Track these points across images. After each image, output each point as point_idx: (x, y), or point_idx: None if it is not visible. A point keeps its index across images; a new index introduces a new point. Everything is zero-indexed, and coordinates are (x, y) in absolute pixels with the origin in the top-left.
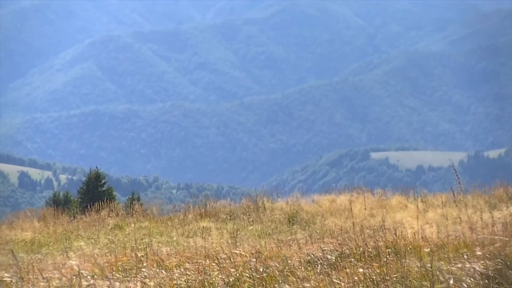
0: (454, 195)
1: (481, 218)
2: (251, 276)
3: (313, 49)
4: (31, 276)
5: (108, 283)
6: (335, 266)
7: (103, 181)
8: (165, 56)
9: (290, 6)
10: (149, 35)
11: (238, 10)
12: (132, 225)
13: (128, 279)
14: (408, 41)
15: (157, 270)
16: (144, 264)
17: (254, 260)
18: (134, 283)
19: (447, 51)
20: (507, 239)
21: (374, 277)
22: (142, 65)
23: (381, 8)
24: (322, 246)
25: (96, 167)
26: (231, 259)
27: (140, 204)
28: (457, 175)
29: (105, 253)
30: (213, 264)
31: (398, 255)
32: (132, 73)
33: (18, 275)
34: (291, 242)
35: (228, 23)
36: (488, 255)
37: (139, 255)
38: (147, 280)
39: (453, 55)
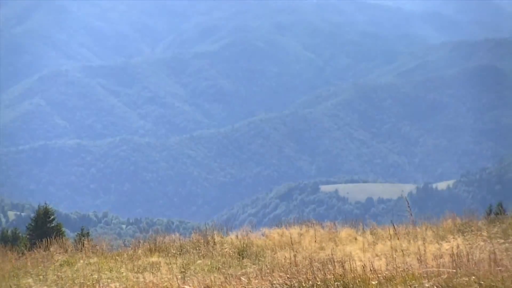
0: (395, 229)
1: (424, 250)
2: None
3: (262, 82)
4: None
5: None
6: None
7: (52, 217)
8: (115, 90)
9: (240, 39)
10: (98, 70)
11: (187, 43)
12: (81, 261)
13: None
14: (357, 73)
15: None
16: None
17: None
18: None
19: (396, 83)
20: (454, 270)
21: None
22: (91, 100)
23: (330, 40)
24: (271, 279)
25: (45, 203)
26: None
27: (89, 240)
28: (409, 207)
29: None
30: None
31: None
32: (81, 108)
33: None
34: (241, 276)
35: (178, 57)
36: (436, 287)
37: None
38: None
39: (402, 87)
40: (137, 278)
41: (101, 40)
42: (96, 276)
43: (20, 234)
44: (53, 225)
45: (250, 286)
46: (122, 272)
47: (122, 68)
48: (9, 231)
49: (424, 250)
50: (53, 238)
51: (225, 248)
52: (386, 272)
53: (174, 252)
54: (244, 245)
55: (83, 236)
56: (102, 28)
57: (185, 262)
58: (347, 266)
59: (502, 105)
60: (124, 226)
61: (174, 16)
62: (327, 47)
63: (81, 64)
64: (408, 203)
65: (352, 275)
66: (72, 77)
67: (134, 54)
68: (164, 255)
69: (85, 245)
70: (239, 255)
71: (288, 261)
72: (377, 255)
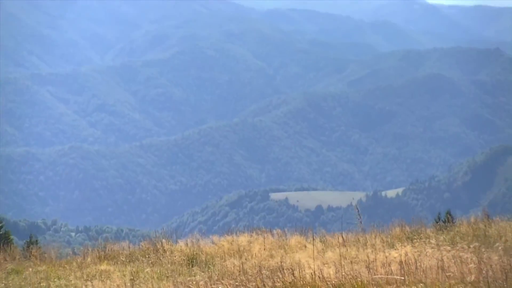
0: (343, 237)
1: (373, 258)
2: None
3: (212, 90)
4: None
5: None
6: None
7: (0, 223)
8: (64, 98)
9: (190, 48)
10: (47, 77)
11: (137, 52)
12: (30, 269)
13: None
14: (307, 82)
15: None
16: None
17: None
18: None
19: (346, 92)
20: (402, 278)
21: None
22: (41, 108)
23: (280, 49)
24: (220, 287)
25: None
26: None
27: (38, 248)
28: (359, 215)
29: None
30: None
31: None
32: (30, 115)
33: None
34: (190, 284)
35: (127, 65)
36: None
37: None
38: None
39: (352, 96)
40: (86, 286)
41: (50, 48)
42: (44, 284)
43: None
44: (0, 232)
45: None
46: (71, 280)
47: (71, 76)
48: None
49: (374, 258)
50: (1, 245)
51: (175, 256)
52: (335, 280)
53: (124, 260)
54: (194, 253)
55: (32, 244)
56: (51, 35)
57: (134, 270)
58: (296, 273)
59: (451, 113)
60: (73, 234)
61: (124, 24)
62: (277, 55)
63: (30, 72)
64: (358, 211)
65: (302, 283)
66: (21, 84)
67: (84, 62)
68: (113, 263)
69: (33, 253)
70: (189, 262)
71: (237, 268)
72: (326, 263)
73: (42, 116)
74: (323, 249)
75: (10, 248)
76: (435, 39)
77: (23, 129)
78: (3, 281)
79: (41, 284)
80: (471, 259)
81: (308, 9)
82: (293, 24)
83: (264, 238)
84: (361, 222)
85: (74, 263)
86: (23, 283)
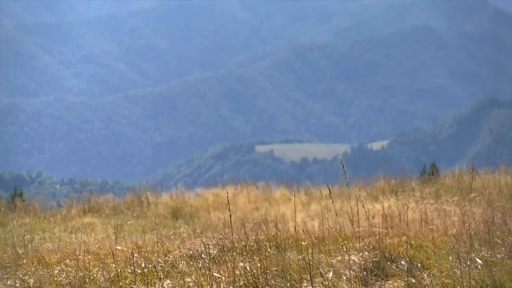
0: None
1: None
2: (132, 272)
3: (198, 41)
4: None
5: None
6: (217, 260)
7: None
8: (48, 48)
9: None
10: (31, 28)
11: (122, 1)
12: (14, 221)
13: (7, 276)
14: (293, 33)
15: (38, 267)
16: (24, 261)
17: (136, 255)
18: (13, 281)
19: (332, 43)
20: (385, 231)
21: (255, 270)
22: (25, 58)
23: None
24: (204, 240)
25: None
26: (113, 255)
27: (23, 200)
28: (343, 168)
29: None
30: (95, 260)
31: (279, 249)
32: (15, 66)
33: None
34: (174, 237)
35: (112, 15)
36: (367, 248)
37: (19, 251)
38: (27, 277)
39: (338, 47)
40: (70, 238)
41: None
42: (28, 237)
43: None
44: None
45: (183, 246)
46: (56, 233)
47: (56, 26)
48: None
49: (357, 211)
50: None
51: (159, 209)
52: (318, 233)
53: (108, 212)
54: (179, 206)
55: (16, 196)
56: None
57: (118, 222)
58: (280, 226)
59: (437, 65)
60: (58, 186)
61: None
62: (263, 6)
63: (15, 22)
64: (342, 164)
65: (285, 236)
66: (4, 34)
67: (68, 12)
68: (98, 216)
69: (18, 205)
70: (173, 215)
71: (222, 221)
72: (310, 216)
73: (26, 66)
74: (308, 201)
75: None
76: None
77: (7, 79)
78: None
79: (26, 236)
80: (454, 212)
81: None
82: None
83: (248, 191)
84: (345, 176)
85: (59, 216)
86: (7, 235)
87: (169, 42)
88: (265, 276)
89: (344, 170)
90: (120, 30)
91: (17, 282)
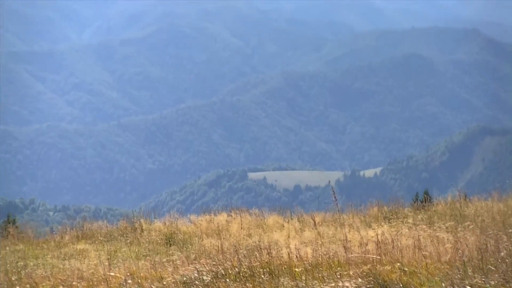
0: (313, 218)
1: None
2: None
3: (190, 69)
4: None
5: None
6: (210, 287)
7: None
8: (41, 76)
9: (167, 26)
10: (24, 55)
11: (114, 30)
12: (7, 248)
13: None
14: (285, 61)
15: None
16: None
17: (130, 281)
18: None
19: (324, 71)
20: (379, 257)
21: None
22: (17, 86)
23: (257, 28)
24: (198, 267)
25: None
26: (107, 282)
27: (16, 227)
28: (334, 195)
29: None
30: (87, 286)
31: (273, 275)
32: (7, 93)
33: None
34: (168, 263)
35: (105, 43)
36: (360, 275)
37: (12, 278)
38: None
39: (330, 75)
40: (63, 265)
41: (26, 25)
42: (22, 264)
43: None
44: None
45: (177, 273)
46: (48, 260)
47: (48, 54)
48: None
49: (350, 237)
50: None
51: (152, 235)
52: (312, 259)
53: (102, 239)
54: (172, 232)
55: (9, 223)
56: (27, 13)
57: (112, 249)
58: (274, 253)
59: (428, 93)
60: (51, 213)
61: (101, 1)
62: (255, 34)
63: (7, 50)
64: (333, 191)
65: (279, 262)
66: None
67: (61, 40)
68: (91, 242)
69: (11, 232)
70: (167, 242)
71: (215, 248)
72: (303, 243)
73: (18, 94)
74: (301, 228)
75: None
76: (413, 18)
77: (10, 111)
78: None
79: (19, 263)
80: (447, 238)
81: None
82: (270, 2)
83: (241, 218)
84: (336, 202)
85: (52, 242)
86: (0, 262)
87: (161, 70)
88: None
89: (335, 198)
90: (113, 58)
91: None
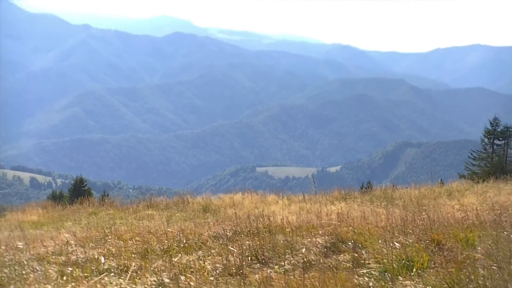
0: (304, 196)
1: (320, 210)
2: (178, 245)
3: (221, 101)
4: (35, 244)
5: (84, 249)
6: (231, 239)
7: (85, 183)
8: (126, 104)
9: (207, 73)
10: (116, 90)
11: (173, 75)
12: (103, 212)
13: (98, 247)
14: (281, 97)
15: (118, 241)
16: (109, 237)
17: (180, 235)
18: (102, 249)
19: (306, 104)
20: (339, 223)
21: (255, 246)
22: (111, 110)
23: (264, 76)
24: (223, 226)
25: (81, 175)
26: (165, 234)
27: (108, 199)
28: (314, 182)
29: (85, 230)
30: (153, 237)
31: (271, 233)
32: (105, 114)
33: (26, 243)
34: (204, 224)
35: (167, 83)
36: (327, 233)
37: (106, 231)
38: (110, 247)
39: (309, 106)
40: (138, 223)
41: (118, 71)
42: (112, 222)
43: (64, 194)
44: (85, 188)
45: (210, 230)
46: (129, 220)
47: (131, 90)
48: (57, 192)
49: (320, 210)
50: (85, 197)
51: (195, 206)
52: (296, 223)
53: (162, 207)
54: (207, 204)
55: (104, 196)
56: (119, 63)
57: (169, 214)
58: (271, 219)
59: (372, 119)
60: (131, 191)
61: (165, 57)
62: (262, 80)
63: (105, 86)
64: (314, 180)
65: (275, 225)
66: (99, 94)
67: (139, 81)
68: (156, 210)
69: (105, 202)
70: (203, 210)
71: (234, 215)
72: (290, 213)
73: (112, 115)
74: (289, 204)
75: (91, 199)
76: (363, 72)
77: (100, 122)
78: (86, 219)
79: (110, 222)
80: (382, 212)
81: (283, 51)
82: (273, 60)
83: (251, 196)
84: (315, 187)
85: (131, 209)
86: (98, 221)
87: (202, 101)
88: (262, 250)
89: (314, 184)
90: (172, 93)
91: (105, 250)
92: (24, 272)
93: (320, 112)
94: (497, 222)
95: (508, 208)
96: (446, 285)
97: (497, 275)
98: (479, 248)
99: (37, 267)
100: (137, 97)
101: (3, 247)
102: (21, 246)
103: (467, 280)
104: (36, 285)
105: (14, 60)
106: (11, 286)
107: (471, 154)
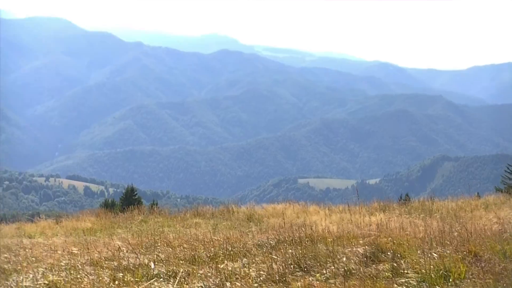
0: (348, 206)
1: (361, 220)
2: (223, 252)
3: (265, 115)
4: (89, 250)
5: (135, 255)
6: (275, 248)
7: (135, 192)
8: (176, 117)
9: (252, 89)
10: (166, 105)
11: (220, 90)
12: (152, 220)
13: (148, 253)
14: (323, 112)
15: (166, 248)
16: (158, 244)
17: (225, 243)
18: (152, 255)
19: (346, 118)
20: (378, 233)
21: (297, 255)
22: (161, 123)
23: (307, 91)
24: (267, 235)
25: (132, 184)
26: (212, 242)
27: (157, 207)
28: (357, 193)
29: (135, 237)
30: (200, 245)
31: (313, 242)
32: (155, 127)
33: (81, 249)
34: (248, 232)
35: (214, 98)
36: (366, 243)
37: (155, 238)
38: (160, 254)
39: (350, 121)
40: (185, 231)
41: (168, 86)
42: (161, 229)
43: (116, 202)
44: (135, 197)
45: (254, 239)
46: (177, 228)
47: (180, 104)
48: (109, 200)
49: (361, 220)
50: (135, 205)
51: (239, 215)
52: (337, 233)
53: (208, 216)
54: (251, 214)
55: (154, 204)
56: (169, 78)
57: (215, 223)
58: (313, 228)
59: (410, 134)
60: (178, 200)
61: (213, 73)
62: (305, 95)
63: (156, 101)
64: (357, 191)
65: (316, 234)
66: (150, 108)
67: (188, 96)
68: (202, 218)
69: (154, 210)
70: (248, 220)
71: (277, 224)
72: (331, 223)
73: (162, 128)
74: (329, 214)
75: (141, 207)
76: (402, 88)
77: (151, 135)
78: (137, 226)
79: (159, 229)
80: (420, 223)
81: (325, 68)
82: (315, 76)
83: (293, 206)
84: (358, 198)
85: (179, 217)
86: (148, 228)
87: (247, 115)
88: (304, 258)
89: (357, 195)
90: (219, 107)
91: (155, 256)
92: (78, 276)
93: (360, 126)
94: None
95: None
96: None
97: None
98: None
99: (91, 272)
100: (186, 111)
101: (59, 252)
102: (76, 251)
103: None
104: None
105: (71, 75)
106: None
107: (508, 168)
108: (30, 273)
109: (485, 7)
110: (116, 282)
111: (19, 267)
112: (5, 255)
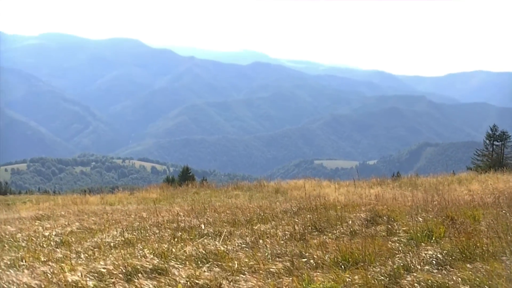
0: (354, 181)
1: (363, 192)
2: (257, 217)
3: (288, 112)
4: (155, 215)
5: (190, 218)
6: (296, 213)
7: (189, 171)
8: (220, 113)
9: (278, 92)
10: (212, 104)
11: (254, 92)
12: (202, 192)
13: (200, 217)
14: (333, 109)
15: (213, 213)
16: (207, 211)
17: (258, 210)
18: (202, 219)
19: (351, 114)
20: (376, 202)
21: (314, 219)
22: (208, 117)
23: (320, 93)
24: (290, 204)
25: (187, 165)
26: (248, 209)
27: (207, 182)
28: (357, 172)
29: (190, 205)
30: (239, 211)
31: (325, 209)
32: (204, 121)
33: (150, 214)
34: (276, 202)
35: (249, 98)
36: (367, 210)
37: (205, 206)
38: (209, 218)
39: (353, 116)
40: (228, 200)
41: (214, 90)
42: (209, 199)
43: (175, 179)
44: (190, 175)
45: (280, 206)
46: (221, 198)
47: (223, 103)
48: (170, 177)
49: (362, 193)
50: (190, 181)
51: (269, 188)
52: (344, 202)
53: (245, 189)
54: (278, 187)
55: (203, 180)
56: (214, 84)
57: (250, 194)
58: (326, 199)
59: (400, 126)
60: (223, 176)
61: (248, 80)
62: (318, 96)
63: (205, 101)
64: (357, 171)
65: (328, 203)
66: (200, 107)
67: (229, 97)
68: (240, 191)
69: (204, 185)
70: (275, 192)
71: (298, 195)
72: (340, 194)
73: (209, 121)
74: (338, 187)
75: (194, 182)
76: (394, 91)
77: (200, 127)
78: (191, 197)
79: (208, 199)
80: (408, 195)
81: (333, 75)
82: (326, 81)
83: (310, 182)
84: (358, 175)
85: (223, 190)
86: (200, 198)
87: (275, 111)
88: (319, 221)
89: (358, 173)
90: (253, 105)
91: (205, 219)
92: (147, 234)
93: (361, 120)
94: (496, 203)
95: (504, 192)
96: (458, 250)
97: (497, 243)
98: (483, 222)
99: (156, 231)
100: (228, 108)
101: (132, 216)
102: (145, 216)
103: (474, 246)
104: (156, 244)
105: (141, 82)
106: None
107: (476, 152)
108: (111, 232)
109: (459, 24)
110: (175, 239)
111: (102, 228)
112: (92, 218)
